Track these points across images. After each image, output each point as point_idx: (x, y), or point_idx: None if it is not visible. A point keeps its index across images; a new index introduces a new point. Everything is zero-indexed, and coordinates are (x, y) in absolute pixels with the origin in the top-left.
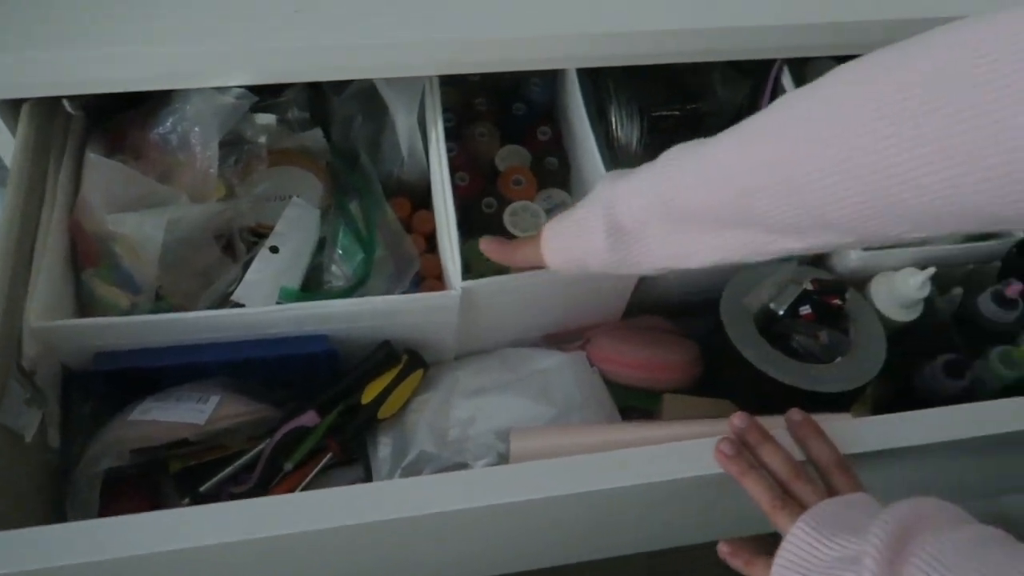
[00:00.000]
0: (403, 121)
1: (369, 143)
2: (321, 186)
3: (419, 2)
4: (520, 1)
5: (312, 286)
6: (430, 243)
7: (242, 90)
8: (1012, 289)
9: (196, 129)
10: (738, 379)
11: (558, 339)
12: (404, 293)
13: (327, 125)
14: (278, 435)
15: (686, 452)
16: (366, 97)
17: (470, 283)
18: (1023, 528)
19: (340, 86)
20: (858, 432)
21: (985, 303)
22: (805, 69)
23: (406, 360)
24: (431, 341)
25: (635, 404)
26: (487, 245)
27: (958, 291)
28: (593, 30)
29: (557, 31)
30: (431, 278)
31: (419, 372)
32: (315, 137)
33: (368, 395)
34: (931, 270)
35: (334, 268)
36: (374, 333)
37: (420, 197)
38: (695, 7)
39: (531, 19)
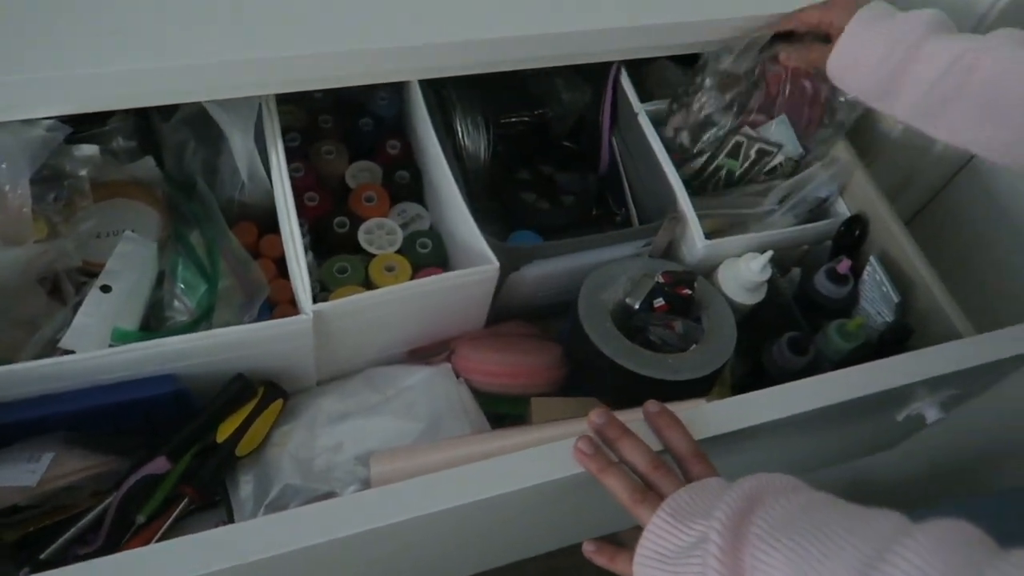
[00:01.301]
0: (240, 144)
1: (206, 169)
2: (158, 217)
3: (247, 20)
4: (356, 15)
5: (154, 324)
6: (281, 267)
7: (53, 121)
8: (843, 266)
9: (3, 166)
10: (600, 376)
11: (424, 352)
12: (255, 321)
13: (159, 153)
14: (124, 487)
15: (552, 454)
16: (198, 121)
17: (322, 306)
18: (881, 487)
19: (169, 111)
20: (711, 416)
21: (821, 281)
22: (643, 70)
23: (263, 392)
24: (289, 369)
25: (504, 411)
26: (785, 53)
27: (796, 271)
28: (432, 41)
29: (394, 43)
30: (284, 303)
31: (278, 403)
32: (147, 166)
33: (223, 433)
34: (769, 253)
35: (176, 303)
36: (227, 366)
37: (268, 221)
38: (533, 14)
39: (367, 32)
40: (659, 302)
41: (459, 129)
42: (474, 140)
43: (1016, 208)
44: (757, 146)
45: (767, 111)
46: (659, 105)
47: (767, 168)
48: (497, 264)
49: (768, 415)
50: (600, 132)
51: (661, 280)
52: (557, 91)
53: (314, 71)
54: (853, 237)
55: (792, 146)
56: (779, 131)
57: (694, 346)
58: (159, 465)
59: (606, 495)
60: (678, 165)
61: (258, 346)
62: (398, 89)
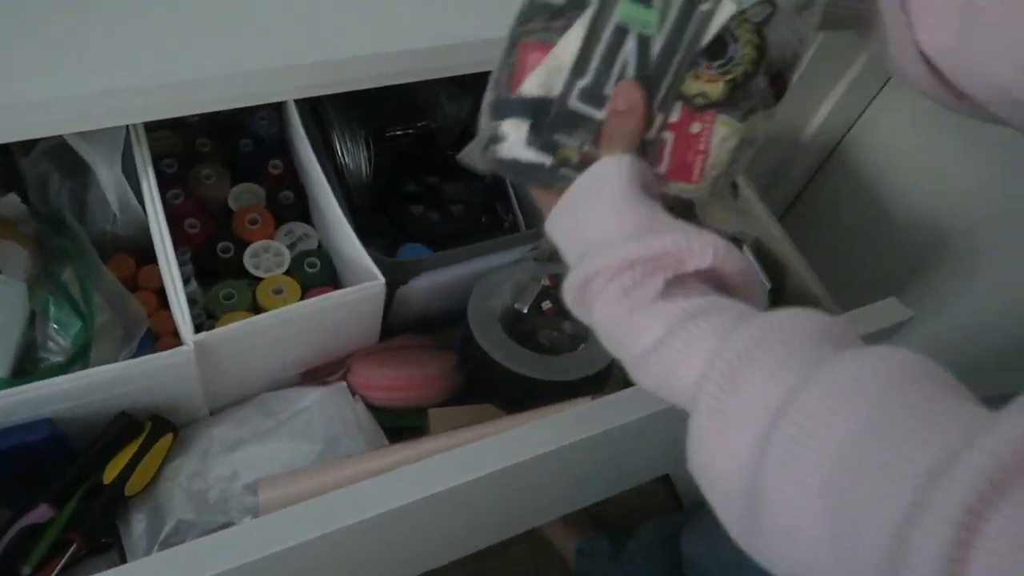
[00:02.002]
0: (106, 175)
1: (74, 201)
2: (25, 255)
3: (105, 51)
4: (224, 38)
5: (28, 367)
6: (163, 298)
7: None
8: None
9: None
10: (494, 382)
11: (318, 372)
12: (136, 355)
13: (22, 188)
14: (4, 540)
15: (447, 463)
16: (61, 153)
17: (203, 336)
18: None
19: (27, 145)
20: (596, 413)
21: None
22: None
23: (150, 427)
24: (177, 401)
25: (403, 424)
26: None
27: None
28: (306, 61)
29: (266, 65)
30: (167, 335)
31: (168, 437)
32: (10, 203)
33: (110, 473)
34: None
35: (50, 343)
36: (110, 405)
37: (146, 251)
38: (407, 28)
39: (239, 56)
40: (547, 305)
41: (338, 146)
42: (354, 156)
43: (877, 193)
44: None
45: None
46: None
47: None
48: (382, 280)
49: (652, 407)
50: None
51: (547, 283)
52: (440, 102)
53: (182, 99)
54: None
55: None
56: None
57: (583, 345)
58: (41, 513)
59: (514, 495)
60: None
61: (139, 381)
62: (277, 108)
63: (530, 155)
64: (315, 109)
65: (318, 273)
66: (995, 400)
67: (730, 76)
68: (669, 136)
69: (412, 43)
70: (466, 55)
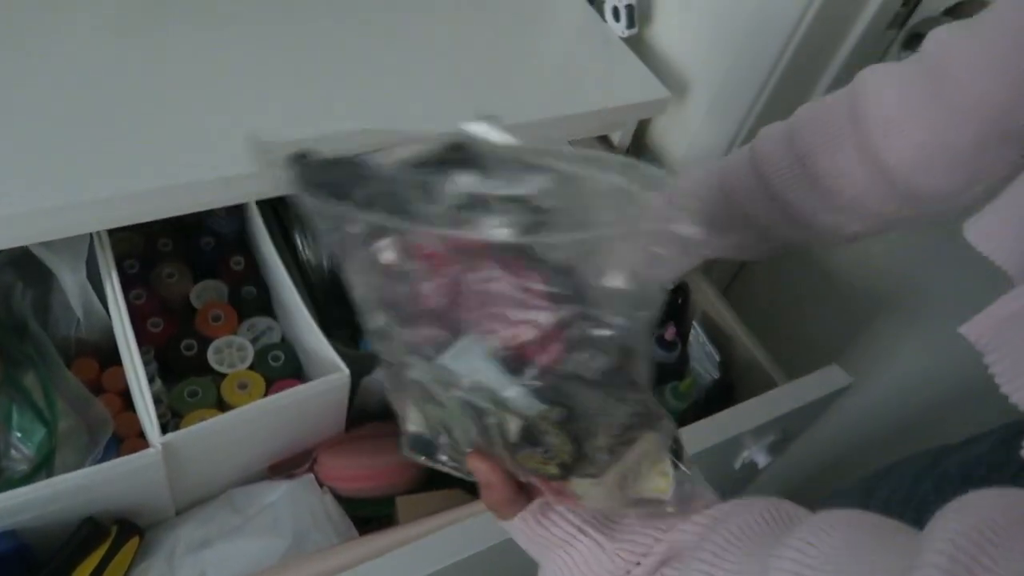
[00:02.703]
0: (70, 281)
1: (37, 307)
2: None
3: (63, 162)
4: (179, 145)
5: None
6: (127, 400)
7: None
8: (669, 332)
9: None
10: None
11: (285, 466)
12: (102, 460)
13: None
14: None
15: (419, 551)
16: (25, 261)
17: (170, 436)
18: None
19: None
20: None
21: (652, 348)
22: None
23: (116, 531)
24: (143, 503)
25: (371, 513)
26: None
27: None
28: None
29: (225, 173)
30: (132, 437)
31: (134, 540)
32: None
33: None
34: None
35: (13, 452)
36: (75, 512)
37: (110, 353)
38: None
39: (196, 163)
40: None
41: (299, 240)
42: (315, 251)
43: (814, 263)
44: (453, 395)
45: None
46: None
47: (496, 434)
48: (347, 371)
49: None
50: None
51: None
52: None
53: (146, 206)
54: (677, 304)
55: (522, 401)
56: (469, 366)
57: None
58: None
59: None
60: None
61: (106, 486)
62: (238, 205)
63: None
64: (274, 205)
65: (282, 367)
66: (931, 452)
67: (556, 461)
68: (538, 481)
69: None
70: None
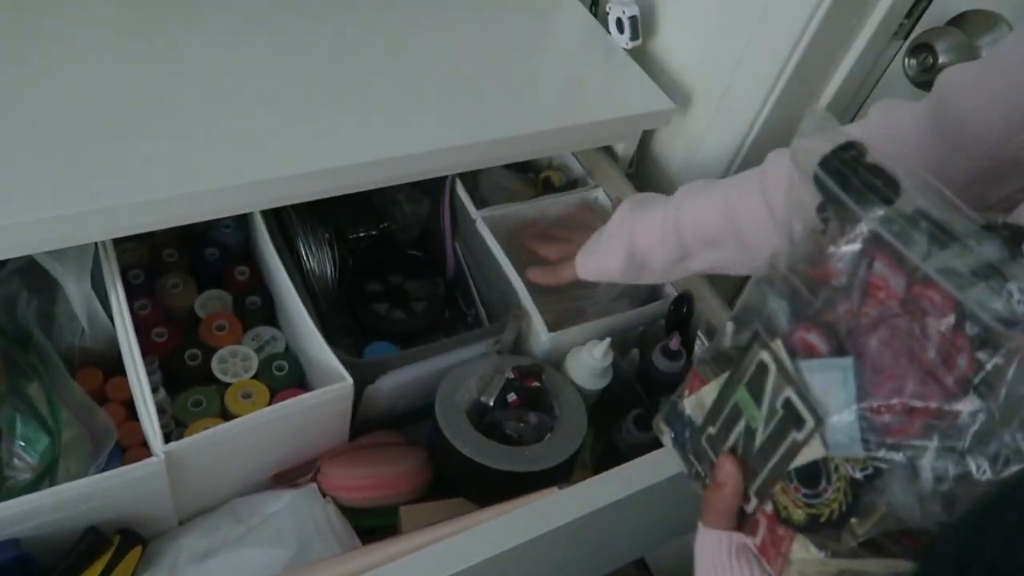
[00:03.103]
0: (75, 290)
1: (42, 318)
2: None
3: (70, 171)
4: (186, 155)
5: None
6: (131, 410)
7: None
8: (674, 342)
9: None
10: (464, 475)
11: (288, 475)
12: (105, 469)
13: None
14: None
15: (419, 561)
16: (30, 271)
17: (173, 445)
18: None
19: None
20: (564, 503)
21: (657, 358)
22: (477, 178)
23: (119, 541)
24: (146, 513)
25: (374, 523)
26: (535, 275)
27: (635, 352)
28: (272, 176)
29: (232, 182)
30: (136, 446)
31: (136, 550)
32: None
33: None
34: (608, 339)
35: (16, 461)
36: (78, 521)
37: (114, 363)
38: (366, 141)
39: (202, 172)
40: (512, 397)
41: (303, 250)
42: (319, 260)
43: None
44: (786, 394)
45: (833, 335)
46: (495, 211)
47: (783, 449)
48: (351, 381)
49: (621, 492)
50: (443, 239)
51: (511, 375)
52: (400, 204)
53: (146, 216)
54: (682, 314)
55: (844, 439)
56: (833, 383)
57: (549, 435)
58: None
59: None
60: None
61: (109, 495)
62: (242, 216)
63: (674, 454)
64: (279, 215)
65: (286, 376)
66: None
67: (812, 511)
68: (763, 521)
69: (372, 155)
70: (424, 163)
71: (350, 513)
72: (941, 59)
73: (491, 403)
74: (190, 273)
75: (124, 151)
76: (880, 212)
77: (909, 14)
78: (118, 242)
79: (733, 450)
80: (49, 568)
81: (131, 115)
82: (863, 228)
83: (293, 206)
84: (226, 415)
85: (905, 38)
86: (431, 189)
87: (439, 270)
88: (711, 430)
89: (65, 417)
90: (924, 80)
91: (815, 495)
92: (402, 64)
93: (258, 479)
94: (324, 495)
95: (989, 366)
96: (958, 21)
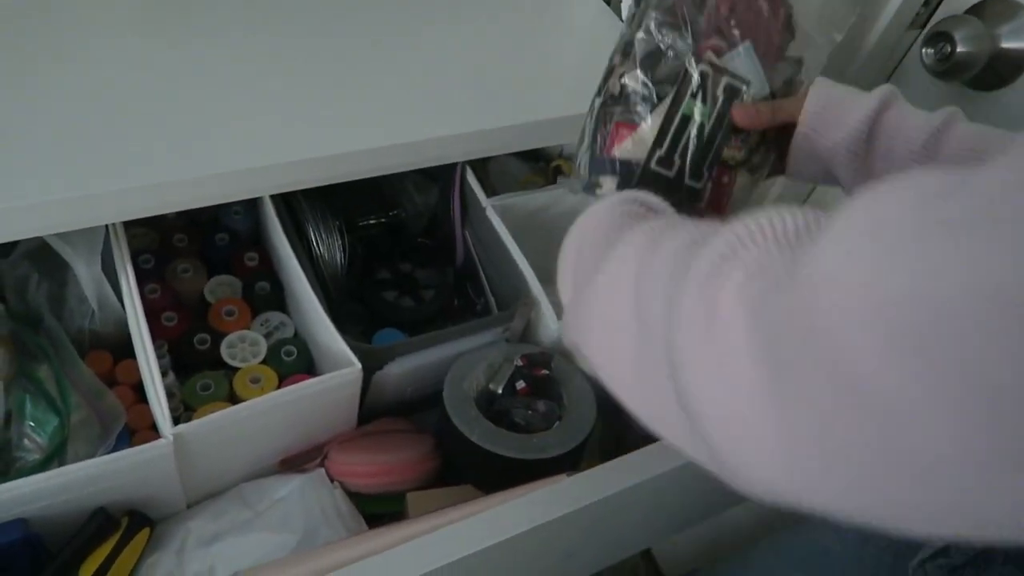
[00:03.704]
0: (85, 273)
1: (52, 299)
2: (2, 355)
3: (81, 154)
4: (200, 139)
5: (2, 467)
6: (140, 393)
7: None
8: None
9: None
10: (472, 462)
11: (296, 460)
12: (114, 451)
13: (0, 289)
14: None
15: (427, 545)
16: (41, 253)
17: (181, 428)
18: (738, 538)
19: (6, 248)
20: (572, 490)
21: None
22: (487, 166)
23: (127, 522)
24: (155, 495)
25: (381, 510)
26: (741, 114)
27: None
28: (282, 160)
29: (243, 166)
30: (145, 429)
31: (144, 532)
32: None
33: (86, 573)
34: None
35: (25, 442)
36: (86, 502)
37: (124, 346)
38: (376, 127)
39: (212, 156)
40: (520, 384)
41: (313, 237)
42: (329, 247)
43: None
44: (724, 81)
45: (723, 36)
46: (505, 199)
47: (727, 120)
48: (359, 366)
49: (628, 481)
50: (453, 227)
51: (520, 363)
52: (409, 192)
53: (156, 199)
54: None
55: (759, 83)
56: (745, 62)
57: (557, 423)
58: None
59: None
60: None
61: (118, 477)
62: (252, 202)
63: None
64: (288, 201)
65: (295, 361)
66: None
67: (745, 148)
68: (708, 186)
69: (381, 141)
70: (434, 150)
71: (357, 499)
72: (959, 48)
73: (499, 391)
74: (200, 258)
75: (136, 135)
76: None
77: (926, 3)
78: (128, 227)
79: (685, 148)
80: (57, 549)
81: (142, 99)
82: None
83: (303, 193)
84: (234, 399)
85: (922, 27)
86: (440, 177)
87: (448, 258)
88: (659, 153)
89: (74, 399)
90: (942, 70)
91: (746, 137)
92: (414, 51)
93: (266, 463)
94: (332, 481)
95: None
96: (977, 9)
